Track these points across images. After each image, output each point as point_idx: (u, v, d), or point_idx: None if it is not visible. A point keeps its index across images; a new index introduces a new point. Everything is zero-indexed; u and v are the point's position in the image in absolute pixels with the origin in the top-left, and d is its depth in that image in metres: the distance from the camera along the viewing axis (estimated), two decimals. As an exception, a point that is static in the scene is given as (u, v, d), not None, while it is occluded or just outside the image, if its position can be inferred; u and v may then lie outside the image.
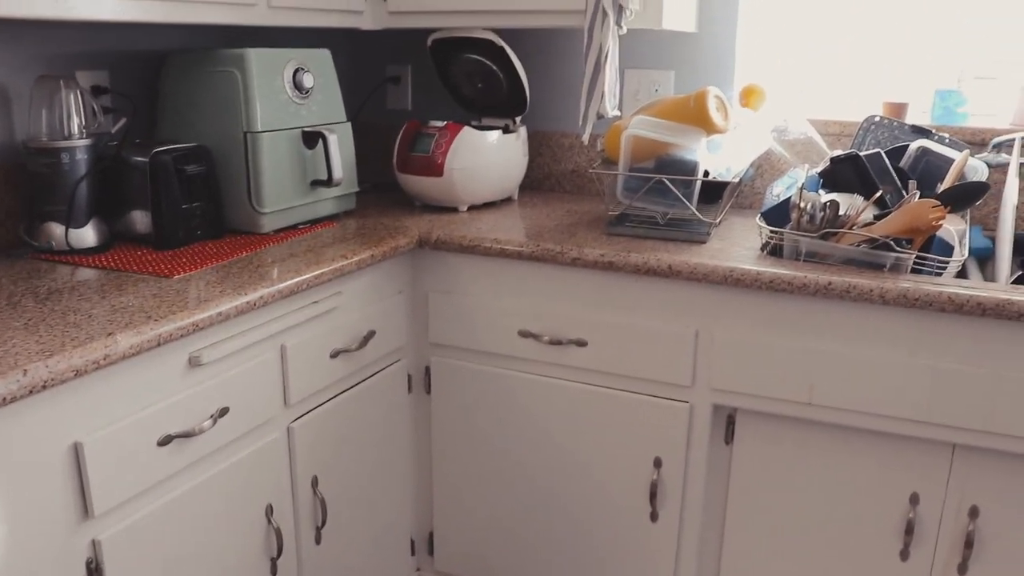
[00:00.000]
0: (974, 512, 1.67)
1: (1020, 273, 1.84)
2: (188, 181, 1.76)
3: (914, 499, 1.71)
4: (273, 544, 1.62)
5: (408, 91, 2.60)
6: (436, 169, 2.07)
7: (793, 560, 1.83)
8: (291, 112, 1.88)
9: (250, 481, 1.55)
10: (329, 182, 1.92)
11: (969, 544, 1.68)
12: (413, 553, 2.13)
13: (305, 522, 1.71)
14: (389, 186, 2.29)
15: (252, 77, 1.80)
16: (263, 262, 1.65)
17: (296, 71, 1.89)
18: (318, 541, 1.75)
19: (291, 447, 1.65)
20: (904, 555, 1.74)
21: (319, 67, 1.96)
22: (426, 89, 2.58)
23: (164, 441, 1.35)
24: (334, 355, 1.71)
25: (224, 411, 1.46)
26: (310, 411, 1.69)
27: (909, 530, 1.72)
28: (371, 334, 1.82)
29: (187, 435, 1.38)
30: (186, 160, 1.76)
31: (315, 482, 1.71)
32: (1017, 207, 1.89)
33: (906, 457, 1.69)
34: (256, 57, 1.82)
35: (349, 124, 2.03)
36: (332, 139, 1.90)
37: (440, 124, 2.11)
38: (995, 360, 1.56)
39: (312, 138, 1.91)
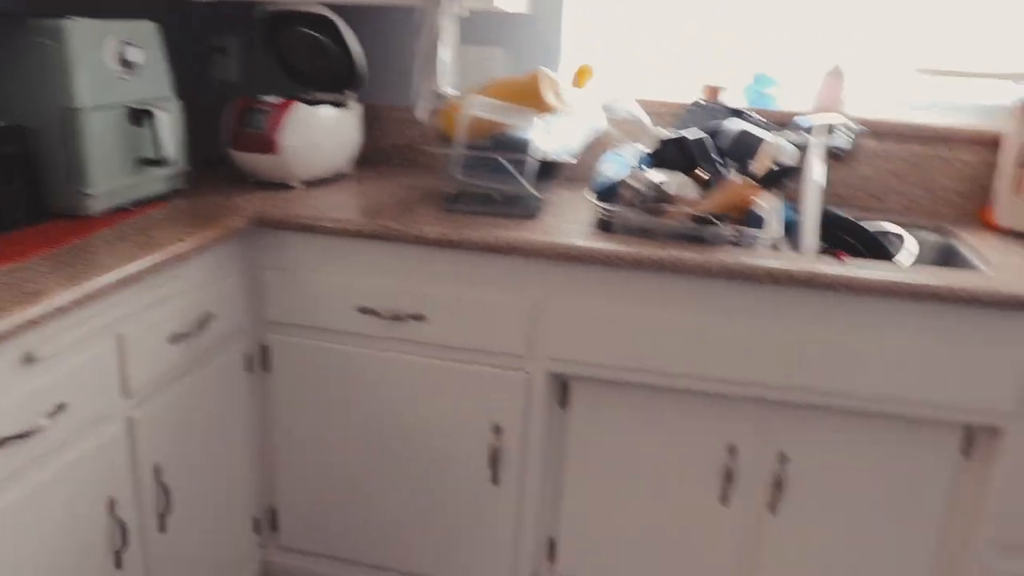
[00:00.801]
0: (782, 458, 1.85)
1: (826, 245, 2.02)
2: (2, 162, 1.66)
3: (732, 449, 1.87)
4: (117, 537, 1.59)
5: (235, 62, 2.53)
6: (269, 146, 2.04)
7: (627, 512, 1.97)
8: (116, 88, 1.80)
9: (91, 476, 1.51)
10: (160, 162, 1.86)
11: (779, 486, 1.87)
12: (257, 531, 2.13)
13: (148, 512, 1.68)
14: (220, 160, 2.23)
15: (71, 50, 1.71)
16: (95, 248, 1.60)
17: (121, 44, 1.80)
18: (162, 529, 1.72)
19: (132, 437, 1.61)
20: (724, 500, 1.91)
21: (145, 40, 1.88)
22: (256, 62, 2.52)
23: (-2, 443, 1.30)
24: (173, 340, 1.68)
25: (61, 407, 1.41)
26: (149, 398, 1.65)
27: (728, 477, 1.89)
28: (209, 316, 1.79)
29: (23, 435, 1.33)
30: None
31: (157, 470, 1.69)
32: (820, 184, 2.07)
33: (724, 412, 1.85)
34: (75, 28, 1.71)
35: (178, 101, 1.96)
36: (161, 117, 1.84)
37: (271, 99, 2.08)
38: (801, 323, 1.74)
39: (139, 116, 1.84)
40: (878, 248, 2.01)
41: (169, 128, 1.87)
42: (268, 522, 2.15)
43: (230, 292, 1.88)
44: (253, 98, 2.09)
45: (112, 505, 1.57)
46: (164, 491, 1.71)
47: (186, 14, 2.50)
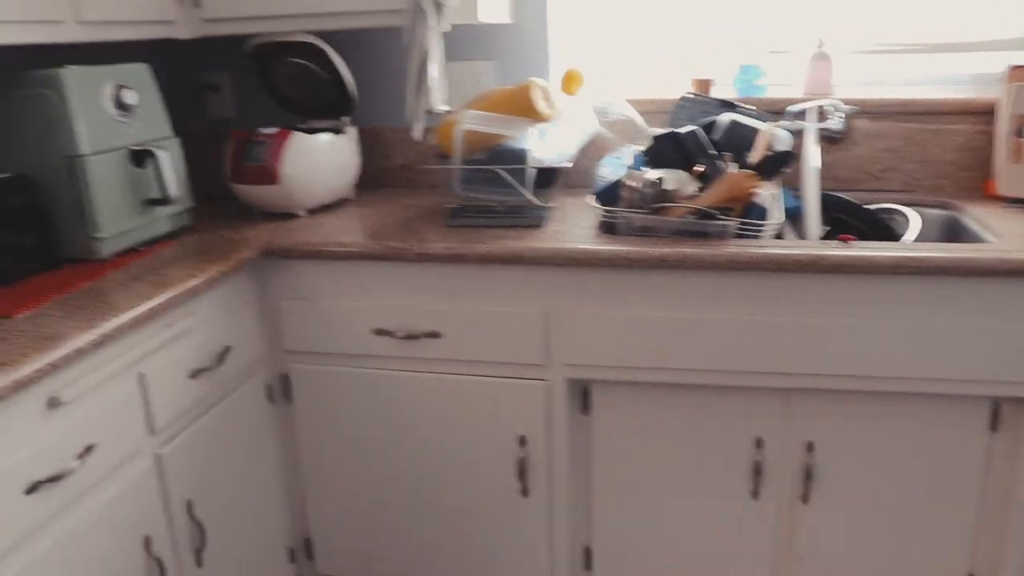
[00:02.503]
0: (810, 447, 1.86)
1: (828, 229, 2.03)
2: (11, 213, 1.68)
3: (758, 442, 1.87)
4: (156, 575, 1.60)
5: (229, 97, 2.56)
6: (271, 177, 2.06)
7: (657, 514, 1.98)
8: (115, 131, 1.82)
9: (125, 515, 1.52)
10: (165, 200, 1.88)
11: (808, 476, 1.87)
12: (293, 560, 2.14)
13: (184, 547, 1.69)
14: (223, 196, 2.25)
15: (70, 98, 1.73)
16: (108, 290, 1.61)
17: (116, 89, 1.83)
18: (199, 564, 1.73)
19: (161, 474, 1.62)
20: (755, 494, 1.91)
21: (139, 82, 1.90)
22: (248, 95, 2.55)
23: (31, 489, 1.31)
24: (193, 375, 1.70)
25: (90, 448, 1.42)
26: (176, 435, 1.67)
27: (757, 471, 1.89)
28: (227, 350, 1.81)
29: (55, 479, 1.35)
30: (5, 191, 1.68)
31: (189, 506, 1.70)
32: (817, 168, 2.08)
33: (748, 406, 1.86)
34: (71, 76, 1.74)
35: (177, 139, 1.98)
36: (163, 156, 1.86)
37: (269, 131, 2.10)
38: (815, 309, 1.74)
39: (141, 156, 1.86)
40: (883, 228, 2.02)
41: (171, 166, 1.89)
42: (303, 550, 2.16)
43: (245, 324, 1.89)
44: (250, 131, 2.11)
45: (148, 543, 1.58)
46: (198, 526, 1.72)
47: (175, 53, 2.52)
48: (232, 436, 1.85)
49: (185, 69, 2.56)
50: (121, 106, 1.84)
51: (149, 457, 1.59)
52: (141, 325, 1.54)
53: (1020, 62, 2.22)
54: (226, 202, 2.27)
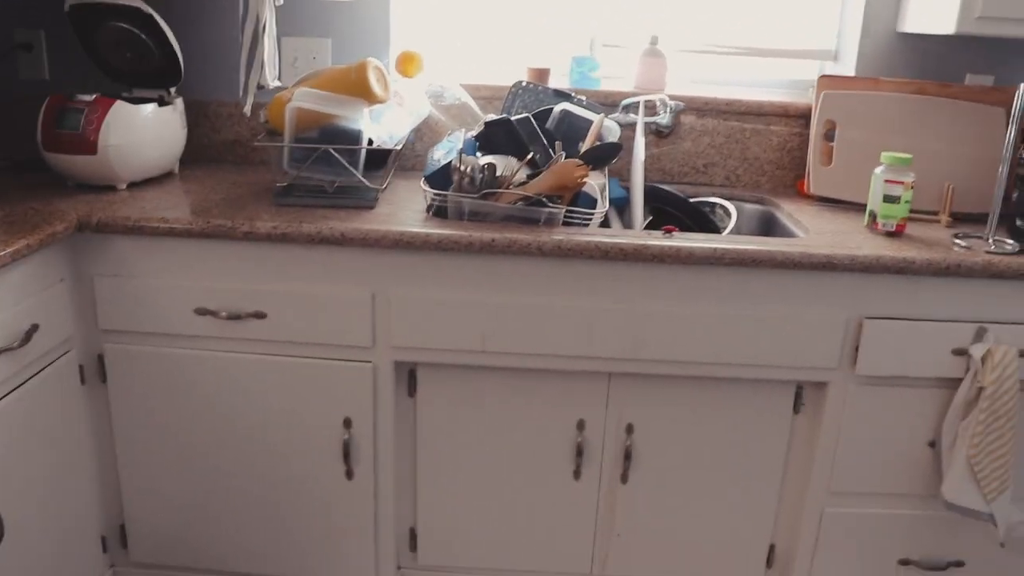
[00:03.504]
0: (630, 429, 1.93)
1: (651, 219, 2.11)
2: None
3: (580, 425, 1.93)
4: (-58, 566, 1.50)
5: (44, 58, 2.40)
6: (89, 147, 1.95)
7: (481, 495, 2.00)
8: (-91, 90, 1.69)
9: (-92, 503, 1.42)
10: (-35, 167, 1.75)
11: (628, 456, 1.94)
12: (105, 550, 2.04)
13: (-22, 538, 1.59)
14: (33, 164, 2.11)
15: None
16: None
17: (-89, 44, 1.69)
18: (-5, 555, 1.64)
19: (-47, 460, 1.52)
20: (577, 474, 1.97)
21: (-61, 39, 1.77)
22: (65, 57, 2.40)
23: None
24: (-7, 355, 1.60)
25: None
26: (-28, 419, 1.56)
27: (579, 452, 1.94)
28: (34, 328, 1.70)
29: None
30: None
31: (-15, 493, 1.60)
32: (644, 161, 2.15)
33: (571, 389, 1.91)
34: None
35: (-19, 101, 1.85)
36: (-36, 120, 1.73)
37: (88, 98, 1.98)
38: (636, 296, 1.81)
39: (-61, 119, 1.73)
40: (704, 220, 2.11)
41: (-26, 131, 1.76)
42: (117, 539, 2.06)
43: (56, 301, 1.79)
44: (67, 96, 1.99)
45: (-65, 534, 1.48)
46: (-5, 516, 1.62)
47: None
48: (38, 419, 1.75)
49: (-4, 27, 2.39)
50: (-83, 63, 1.70)
51: (-60, 442, 1.49)
52: (-67, 300, 1.43)
53: (829, 72, 2.37)
54: (37, 172, 2.13)
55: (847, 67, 2.36)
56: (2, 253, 1.57)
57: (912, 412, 1.88)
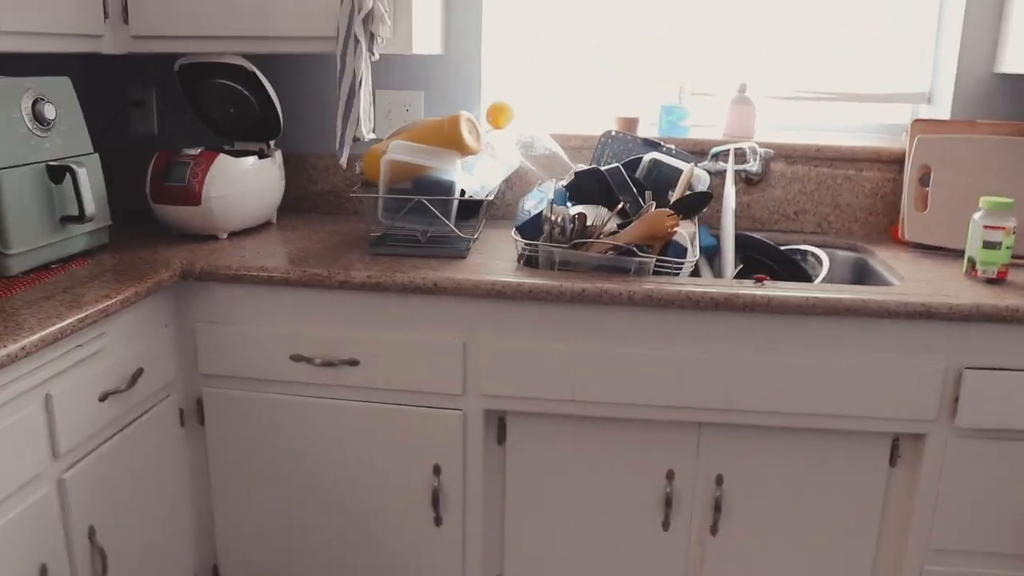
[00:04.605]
0: (719, 480, 1.90)
1: (741, 267, 2.09)
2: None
3: (670, 475, 1.91)
4: (52, 603, 1.56)
5: (153, 115, 2.53)
6: (193, 198, 2.04)
7: (571, 544, 1.99)
8: (32, 146, 1.79)
9: (21, 542, 1.47)
10: (81, 218, 1.85)
11: (718, 508, 1.91)
12: (198, 588, 2.10)
13: (83, 575, 1.65)
14: (142, 215, 2.22)
15: (-16, 111, 1.70)
16: (16, 308, 1.57)
17: (35, 102, 1.79)
18: (99, 591, 1.69)
19: (63, 500, 1.58)
20: (666, 525, 1.94)
21: (60, 96, 1.87)
22: (173, 112, 2.52)
23: (-76, 512, 1.27)
24: (103, 398, 1.66)
25: (-11, 471, 1.39)
26: (82, 459, 1.62)
27: (668, 503, 1.92)
28: (139, 372, 1.77)
29: (-50, 502, 1.31)
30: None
31: (91, 532, 1.65)
32: (735, 209, 2.14)
33: (660, 439, 1.89)
34: (-12, 88, 1.71)
35: (97, 156, 1.95)
36: (82, 173, 1.83)
37: (194, 152, 2.08)
38: (728, 346, 1.79)
39: (58, 172, 1.82)
40: (796, 269, 2.08)
41: (89, 183, 1.85)
42: (209, 578, 2.12)
43: (160, 346, 1.86)
44: (174, 151, 2.09)
45: (44, 571, 1.53)
46: (99, 552, 1.67)
47: (100, 67, 2.48)
48: (140, 460, 1.81)
49: (110, 84, 2.52)
50: (40, 119, 1.81)
51: (51, 482, 1.55)
52: (50, 346, 1.50)
53: (923, 115, 2.33)
54: (145, 222, 2.23)
55: (942, 110, 2.32)
56: (113, 300, 1.65)
57: (1018, 466, 1.80)
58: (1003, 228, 1.83)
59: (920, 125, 2.18)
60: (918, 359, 1.76)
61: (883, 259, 2.09)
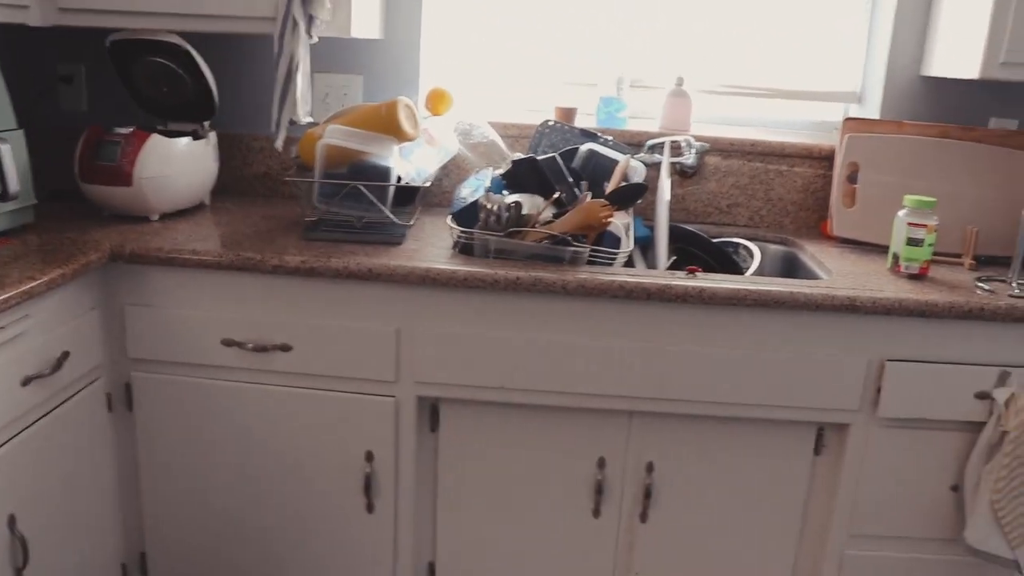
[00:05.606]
0: (650, 467, 1.93)
1: (675, 258, 2.12)
2: None
3: (601, 462, 1.93)
4: (-31, 590, 1.52)
5: (83, 91, 2.47)
6: (124, 178, 2.00)
7: (503, 531, 2.01)
8: (-47, 122, 1.74)
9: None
10: (4, 196, 1.80)
11: (648, 495, 1.94)
12: None
13: (3, 564, 1.61)
14: (69, 194, 2.16)
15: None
16: (-65, 289, 1.53)
17: (-44, 77, 1.75)
18: (20, 581, 1.66)
19: (-17, 485, 1.55)
20: (596, 512, 1.97)
21: (-18, 72, 1.82)
22: (105, 90, 2.46)
23: None
24: (25, 382, 1.62)
25: (-96, 456, 1.35)
26: (2, 445, 1.58)
27: (599, 490, 1.95)
28: (65, 355, 1.74)
29: None
30: None
31: (12, 521, 1.61)
32: (669, 201, 2.17)
33: (592, 427, 1.91)
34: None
35: (21, 132, 1.90)
36: (4, 150, 1.78)
37: (125, 130, 2.03)
38: (659, 336, 1.82)
39: (-20, 150, 1.77)
40: (728, 261, 2.12)
41: (12, 160, 1.80)
42: (137, 566, 2.08)
43: (87, 330, 1.82)
44: (104, 129, 2.04)
45: (-37, 558, 1.50)
46: (20, 541, 1.64)
47: (27, 40, 2.41)
48: (65, 446, 1.77)
49: (38, 58, 2.45)
50: (-39, 95, 1.76)
51: (-29, 467, 1.52)
52: (-30, 327, 1.46)
53: (853, 114, 2.39)
54: (74, 201, 2.18)
55: (871, 110, 2.38)
56: (37, 282, 1.61)
57: (935, 455, 1.87)
58: (926, 226, 1.89)
59: (850, 124, 2.23)
60: (843, 351, 1.81)
61: (812, 253, 2.14)
